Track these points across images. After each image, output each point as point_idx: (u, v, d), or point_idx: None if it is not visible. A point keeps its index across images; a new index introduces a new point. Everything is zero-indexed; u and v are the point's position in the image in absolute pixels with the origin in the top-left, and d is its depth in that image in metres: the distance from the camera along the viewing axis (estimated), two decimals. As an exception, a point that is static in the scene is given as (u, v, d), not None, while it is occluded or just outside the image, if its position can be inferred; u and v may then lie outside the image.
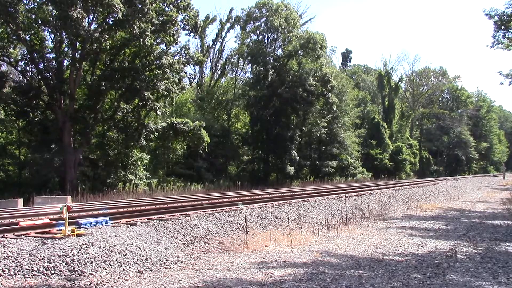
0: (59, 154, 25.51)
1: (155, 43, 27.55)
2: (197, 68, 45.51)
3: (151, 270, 7.59)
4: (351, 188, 24.33)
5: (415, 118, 77.20)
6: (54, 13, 23.70)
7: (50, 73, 25.93)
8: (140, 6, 24.38)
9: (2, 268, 6.75)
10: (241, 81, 46.36)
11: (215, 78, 48.38)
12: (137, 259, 7.84)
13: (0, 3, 21.79)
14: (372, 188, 24.63)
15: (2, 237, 8.15)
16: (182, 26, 28.75)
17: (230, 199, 17.65)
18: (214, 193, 27.20)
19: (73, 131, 26.37)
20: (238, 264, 8.01)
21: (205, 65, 47.93)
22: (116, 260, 7.57)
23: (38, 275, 6.69)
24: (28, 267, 6.83)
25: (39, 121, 26.50)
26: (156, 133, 29.52)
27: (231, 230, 11.49)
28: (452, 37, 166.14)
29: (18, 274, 6.69)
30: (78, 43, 25.01)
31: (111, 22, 25.35)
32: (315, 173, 43.20)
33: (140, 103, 27.68)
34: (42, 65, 25.77)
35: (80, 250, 7.46)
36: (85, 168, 27.12)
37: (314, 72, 40.21)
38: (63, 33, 25.16)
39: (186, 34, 30.57)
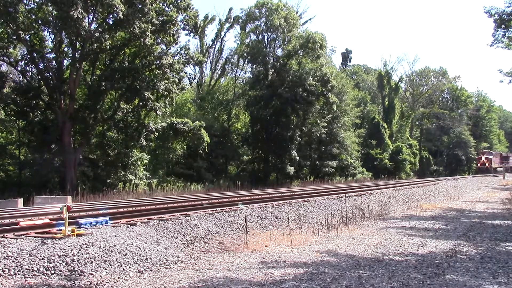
0: (59, 154, 25.53)
1: (155, 43, 27.58)
2: (197, 68, 45.51)
3: (151, 270, 7.59)
4: (351, 188, 24.32)
5: (415, 118, 77.12)
6: (54, 13, 23.71)
7: (50, 73, 25.94)
8: (140, 6, 24.41)
9: (2, 268, 6.75)
10: (241, 81, 46.38)
11: (215, 78, 48.35)
12: (137, 259, 7.84)
13: (0, 3, 21.79)
14: (372, 188, 24.61)
15: (2, 237, 8.16)
16: (182, 26, 28.81)
17: (230, 199, 17.65)
18: (214, 193, 27.19)
19: (73, 131, 26.41)
20: (238, 264, 8.00)
21: (205, 65, 47.97)
22: (116, 260, 7.57)
23: (38, 275, 6.69)
24: (28, 267, 6.84)
25: (39, 121, 26.49)
26: (156, 133, 29.56)
27: (231, 230, 11.50)
28: (452, 37, 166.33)
29: (18, 274, 6.69)
30: (78, 43, 25.03)
31: (111, 22, 25.41)
32: (315, 173, 43.18)
33: (140, 103, 27.71)
34: (42, 65, 25.77)
35: (80, 250, 7.47)
36: (85, 168, 27.12)
37: (314, 72, 40.20)
38: (63, 33, 25.18)
39: (186, 34, 30.69)
